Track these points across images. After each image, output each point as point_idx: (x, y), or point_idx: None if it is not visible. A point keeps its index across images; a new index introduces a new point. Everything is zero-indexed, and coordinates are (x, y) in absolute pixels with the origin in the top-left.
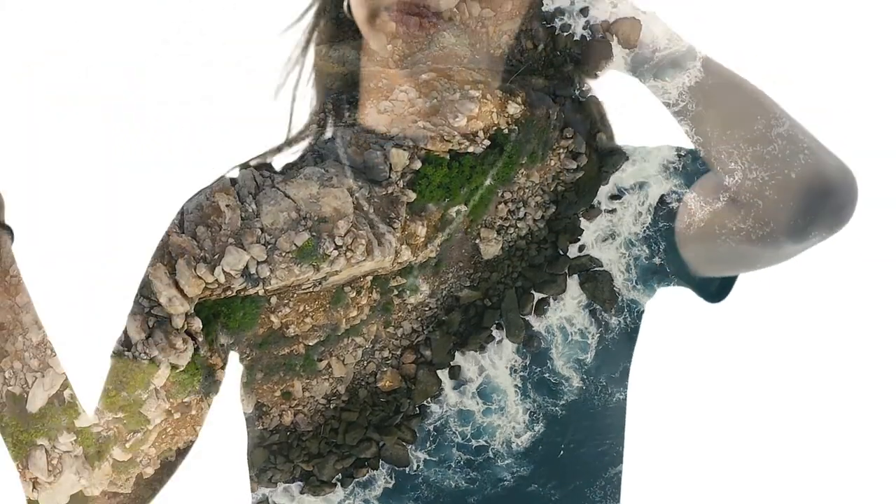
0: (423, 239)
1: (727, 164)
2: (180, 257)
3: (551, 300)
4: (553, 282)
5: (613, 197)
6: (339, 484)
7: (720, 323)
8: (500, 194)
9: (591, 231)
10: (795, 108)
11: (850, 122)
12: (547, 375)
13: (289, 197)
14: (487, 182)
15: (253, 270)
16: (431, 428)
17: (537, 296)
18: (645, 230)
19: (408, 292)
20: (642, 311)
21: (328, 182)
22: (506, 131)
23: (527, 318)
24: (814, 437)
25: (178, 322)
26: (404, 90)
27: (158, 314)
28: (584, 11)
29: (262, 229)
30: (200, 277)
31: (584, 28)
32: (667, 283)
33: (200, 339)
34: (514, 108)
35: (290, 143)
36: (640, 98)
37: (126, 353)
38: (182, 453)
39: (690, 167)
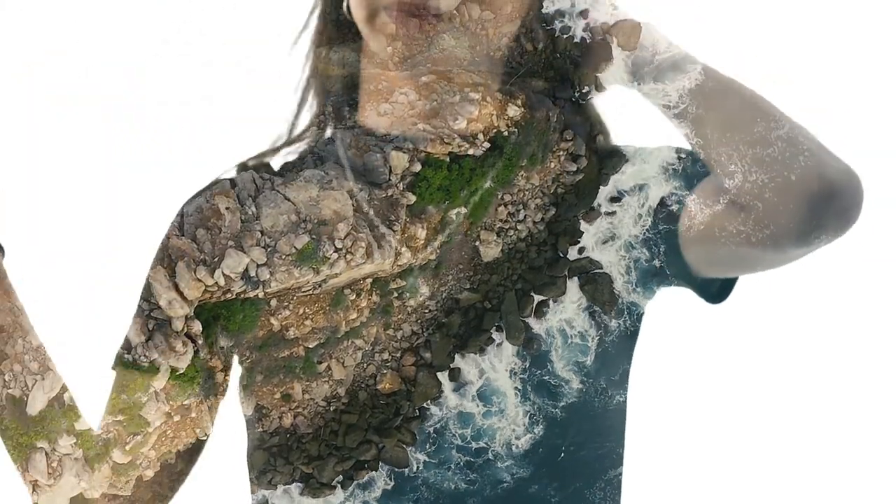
0: (422, 241)
1: (727, 166)
2: (180, 260)
3: (551, 302)
4: (553, 284)
5: (613, 199)
6: (338, 486)
7: (720, 324)
8: (499, 196)
9: (590, 233)
10: (795, 108)
11: (850, 122)
12: (547, 378)
13: (289, 199)
14: (487, 184)
15: (253, 273)
16: (431, 430)
17: (537, 298)
18: (645, 232)
19: (408, 294)
20: (642, 314)
21: (328, 185)
22: (506, 134)
23: (526, 320)
24: (814, 439)
25: (178, 325)
26: (404, 92)
27: (158, 317)
28: (583, 14)
29: (261, 232)
30: (200, 280)
31: (583, 30)
32: (667, 284)
33: (200, 342)
34: (513, 111)
35: (289, 143)
36: (639, 100)
37: (126, 355)
38: (196, 451)
39: (690, 169)
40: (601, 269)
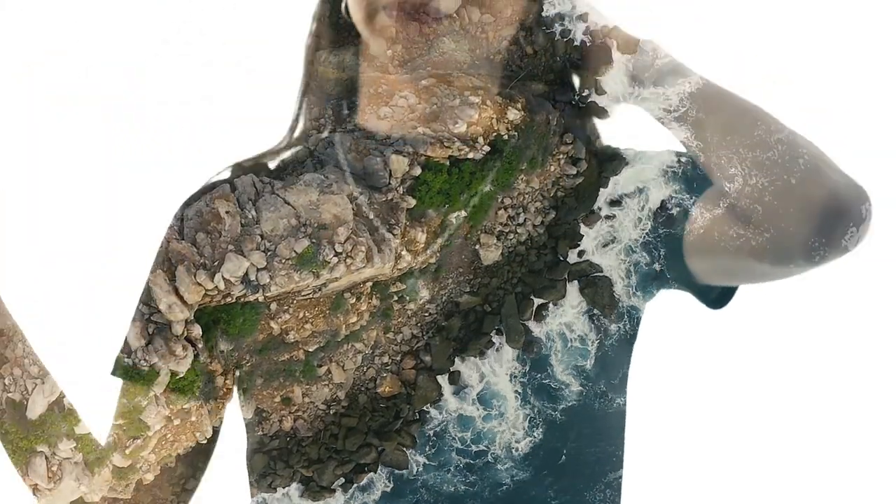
0: (422, 245)
1: (727, 169)
2: (180, 264)
3: (551, 306)
4: (553, 287)
5: (613, 202)
6: (338, 489)
7: (720, 326)
8: (499, 200)
9: (590, 237)
10: (795, 108)
11: (850, 122)
12: (547, 381)
13: (288, 203)
14: (487, 188)
15: (253, 277)
16: (431, 433)
17: (537, 301)
18: (645, 236)
19: (408, 298)
20: (641, 317)
21: (328, 189)
22: (506, 137)
23: (526, 323)
24: (814, 441)
25: (178, 329)
26: (404, 96)
27: (158, 321)
28: (582, 17)
29: (261, 236)
30: (200, 284)
31: (583, 34)
32: (667, 287)
33: (200, 346)
34: (513, 114)
35: (288, 146)
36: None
37: (126, 359)
38: (203, 457)
39: (690, 172)
40: (601, 272)
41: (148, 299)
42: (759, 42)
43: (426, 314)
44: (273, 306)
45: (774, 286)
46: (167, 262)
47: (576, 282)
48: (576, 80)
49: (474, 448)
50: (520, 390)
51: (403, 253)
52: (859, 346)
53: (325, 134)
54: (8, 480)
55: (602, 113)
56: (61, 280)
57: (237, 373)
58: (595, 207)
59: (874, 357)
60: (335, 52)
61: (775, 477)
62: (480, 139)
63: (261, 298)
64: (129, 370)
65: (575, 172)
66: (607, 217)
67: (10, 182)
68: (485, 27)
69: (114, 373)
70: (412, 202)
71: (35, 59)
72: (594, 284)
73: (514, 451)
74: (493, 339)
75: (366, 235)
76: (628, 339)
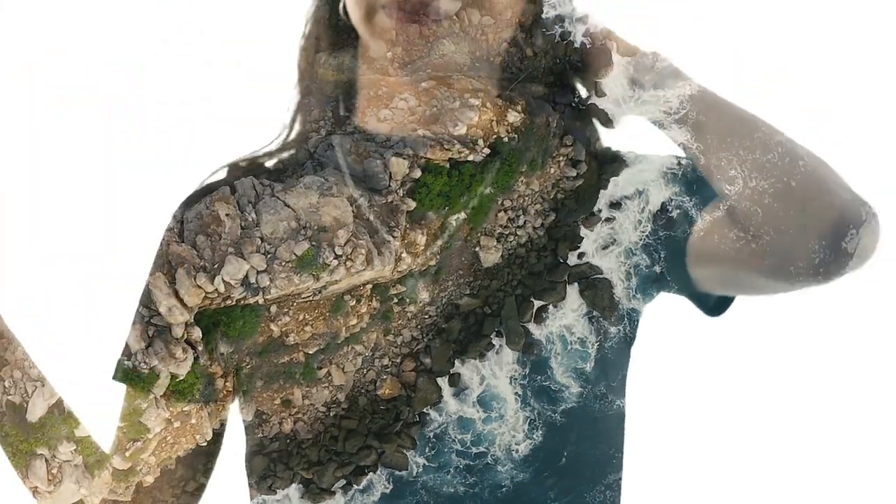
0: (422, 247)
1: (727, 171)
2: (180, 266)
3: (551, 308)
4: (553, 289)
5: (613, 205)
6: (338, 491)
7: (719, 327)
8: (499, 202)
9: (590, 239)
10: (794, 107)
11: (850, 122)
12: (547, 383)
13: (288, 206)
14: (487, 190)
15: (253, 280)
16: (431, 435)
17: (537, 303)
18: (645, 238)
19: (408, 300)
20: (640, 319)
21: (328, 191)
22: (505, 139)
23: (526, 325)
24: (813, 442)
25: (178, 331)
26: (404, 98)
27: (158, 323)
28: (582, 19)
29: (261, 238)
30: (200, 287)
31: (583, 35)
32: (667, 291)
33: (200, 349)
34: (513, 117)
35: (284, 147)
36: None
37: (126, 362)
38: (208, 459)
39: (690, 175)
40: (601, 274)
41: (148, 302)
42: (758, 41)
43: (426, 316)
44: (273, 309)
45: None
46: (167, 265)
47: (576, 284)
48: (576, 83)
49: (474, 450)
50: (520, 392)
51: (403, 255)
52: (859, 347)
53: (325, 136)
54: (8, 483)
55: (608, 123)
56: (61, 280)
57: (237, 375)
58: (595, 209)
59: (874, 359)
60: (335, 54)
61: (774, 478)
62: (480, 141)
63: (261, 301)
64: (129, 373)
65: (575, 175)
66: (607, 219)
67: (10, 182)
68: (485, 29)
69: (115, 377)
70: (412, 204)
71: (35, 59)
72: (594, 286)
73: (514, 452)
74: (493, 342)
75: (366, 238)
76: (628, 342)
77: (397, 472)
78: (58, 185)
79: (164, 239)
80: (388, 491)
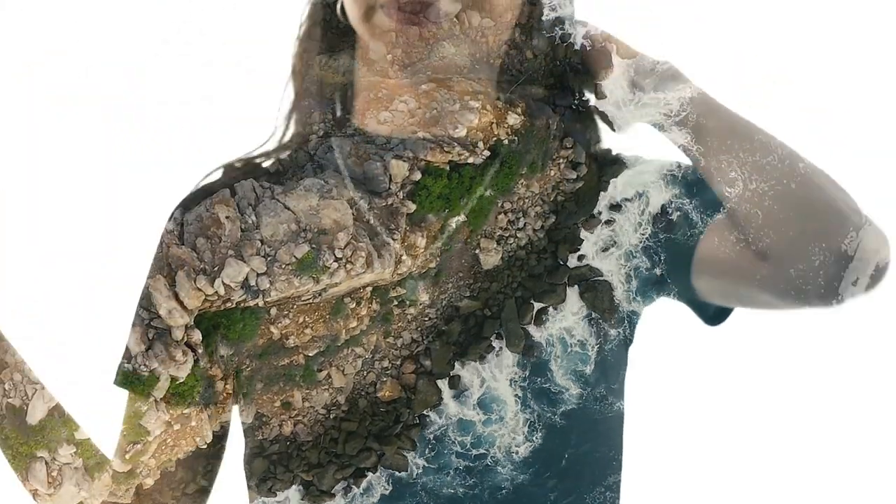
0: (422, 250)
1: (727, 173)
2: (180, 269)
3: (551, 310)
4: (553, 292)
5: (613, 207)
6: (338, 493)
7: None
8: (499, 204)
9: (590, 241)
10: (795, 107)
11: (850, 122)
12: (547, 385)
13: (288, 209)
14: (487, 192)
15: (253, 282)
16: (431, 437)
17: (537, 306)
18: (645, 241)
19: (407, 303)
20: (638, 321)
21: (328, 194)
22: (506, 141)
23: (526, 327)
24: (812, 443)
25: (178, 334)
26: (404, 100)
27: (158, 326)
28: (582, 21)
29: (261, 241)
30: (200, 289)
31: (583, 38)
32: (667, 295)
33: (200, 351)
34: (513, 119)
35: (280, 148)
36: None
37: (126, 365)
38: (208, 458)
39: (691, 176)
40: (601, 276)
41: (148, 304)
42: (758, 42)
43: (426, 319)
44: (273, 311)
45: None
46: (167, 268)
47: (576, 286)
48: (576, 85)
49: (474, 452)
50: (520, 394)
51: (404, 258)
52: (860, 349)
53: (325, 138)
54: (8, 485)
55: (611, 125)
56: (61, 280)
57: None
58: (595, 212)
59: (875, 360)
60: (335, 56)
61: (773, 479)
62: (480, 144)
63: (261, 303)
64: (130, 376)
65: (575, 177)
66: (607, 221)
67: (10, 182)
68: (485, 31)
69: (116, 381)
70: (412, 207)
71: (35, 59)
72: (594, 289)
73: (514, 454)
74: (494, 344)
75: (366, 241)
76: (626, 344)
77: (397, 474)
78: (58, 185)
79: (163, 241)
80: (387, 492)
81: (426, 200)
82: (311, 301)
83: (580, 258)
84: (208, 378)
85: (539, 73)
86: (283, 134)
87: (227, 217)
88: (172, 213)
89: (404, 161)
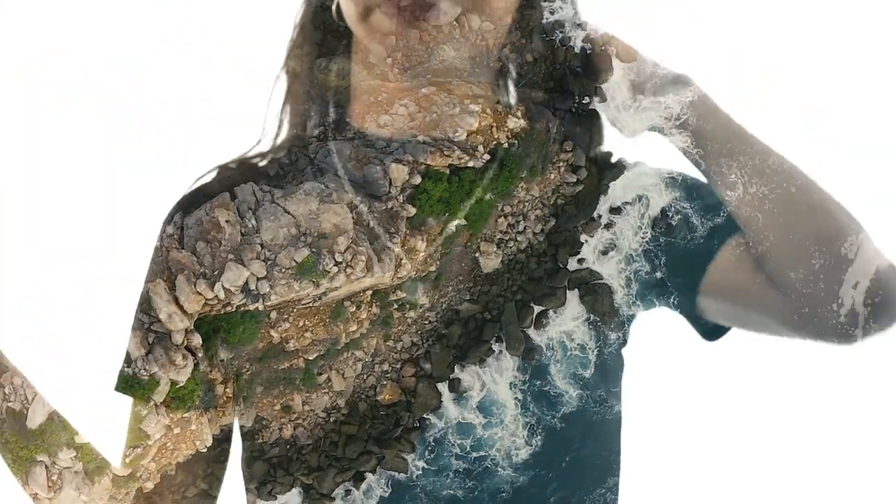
0: (422, 253)
1: (728, 176)
2: (180, 273)
3: (551, 313)
4: (553, 295)
5: (613, 210)
6: (338, 496)
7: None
8: (499, 208)
9: (591, 244)
10: (790, 106)
11: (846, 122)
12: (547, 388)
13: (288, 213)
14: (487, 196)
15: (253, 286)
16: (431, 439)
17: (537, 309)
18: (645, 244)
19: (408, 306)
20: (633, 321)
21: (328, 198)
22: (506, 145)
23: (526, 331)
24: (811, 443)
25: (178, 338)
26: (404, 104)
27: (158, 330)
28: (582, 25)
29: (261, 245)
30: (200, 293)
31: (583, 41)
32: (666, 301)
33: (200, 355)
34: (513, 122)
35: (276, 149)
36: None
37: (126, 369)
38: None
39: (691, 180)
40: (601, 279)
41: (147, 308)
42: (754, 41)
43: (426, 322)
44: (273, 315)
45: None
46: (167, 271)
47: (576, 290)
48: (576, 88)
49: (474, 454)
50: (520, 398)
51: (404, 261)
52: (859, 350)
53: (325, 142)
54: (8, 488)
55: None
56: (61, 280)
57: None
58: (595, 215)
59: (875, 363)
60: (335, 59)
61: (771, 480)
62: (480, 147)
63: (261, 307)
64: (130, 380)
65: (575, 180)
66: (607, 225)
67: (10, 182)
68: (485, 35)
69: (116, 387)
70: (412, 211)
71: (35, 59)
72: (594, 292)
73: (513, 457)
74: (493, 347)
75: (366, 245)
76: (622, 345)
77: (396, 476)
78: (58, 185)
79: (162, 245)
80: (386, 494)
81: (426, 204)
82: (311, 305)
83: (580, 261)
84: (208, 382)
85: (539, 76)
86: (277, 134)
87: (227, 221)
88: (172, 218)
89: (404, 165)
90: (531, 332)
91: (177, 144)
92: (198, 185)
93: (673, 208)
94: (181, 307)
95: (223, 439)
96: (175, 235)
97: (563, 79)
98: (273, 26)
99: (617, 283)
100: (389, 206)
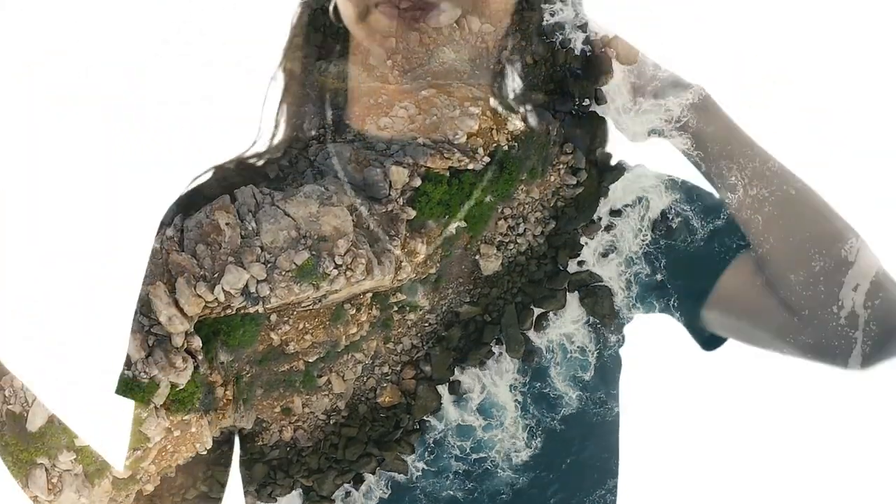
0: (422, 256)
1: (727, 178)
2: (180, 276)
3: (551, 315)
4: (553, 297)
5: (613, 212)
6: (338, 498)
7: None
8: (499, 210)
9: (590, 247)
10: (795, 107)
11: (850, 122)
12: (547, 391)
13: (289, 215)
14: (487, 198)
15: (253, 289)
16: (431, 441)
17: (537, 311)
18: (645, 246)
19: (407, 308)
20: (631, 318)
21: (328, 200)
22: (505, 147)
23: (526, 333)
24: (809, 444)
25: (178, 341)
26: (404, 106)
27: (158, 333)
28: (582, 27)
29: (261, 248)
30: (200, 296)
31: (583, 43)
32: (665, 305)
33: (200, 358)
34: (513, 125)
35: (273, 150)
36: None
37: (126, 372)
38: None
39: (690, 182)
40: (601, 282)
41: (147, 311)
42: (759, 42)
43: (426, 324)
44: (273, 317)
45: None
46: (167, 274)
47: (576, 292)
48: (576, 90)
49: (473, 456)
50: (520, 400)
51: (404, 264)
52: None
53: (325, 144)
54: (8, 491)
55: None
56: (61, 280)
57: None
58: (595, 217)
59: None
60: (335, 62)
61: (769, 481)
62: (480, 150)
63: (261, 310)
64: (130, 383)
65: (575, 182)
66: (607, 227)
67: (10, 182)
68: (485, 37)
69: (116, 390)
70: (412, 213)
71: (35, 59)
72: (594, 294)
73: (513, 459)
74: (493, 349)
75: (366, 247)
76: (620, 345)
77: (396, 478)
78: (58, 185)
79: (161, 248)
80: (386, 496)
81: (426, 206)
82: (311, 307)
83: (580, 263)
84: (208, 384)
85: (539, 78)
86: (273, 135)
87: (227, 223)
88: (172, 220)
89: (404, 167)
90: (531, 334)
91: (177, 144)
92: (194, 185)
93: (673, 210)
94: (181, 310)
95: (223, 442)
96: (175, 238)
97: (564, 81)
98: (273, 26)
99: (617, 285)
100: (389, 209)
